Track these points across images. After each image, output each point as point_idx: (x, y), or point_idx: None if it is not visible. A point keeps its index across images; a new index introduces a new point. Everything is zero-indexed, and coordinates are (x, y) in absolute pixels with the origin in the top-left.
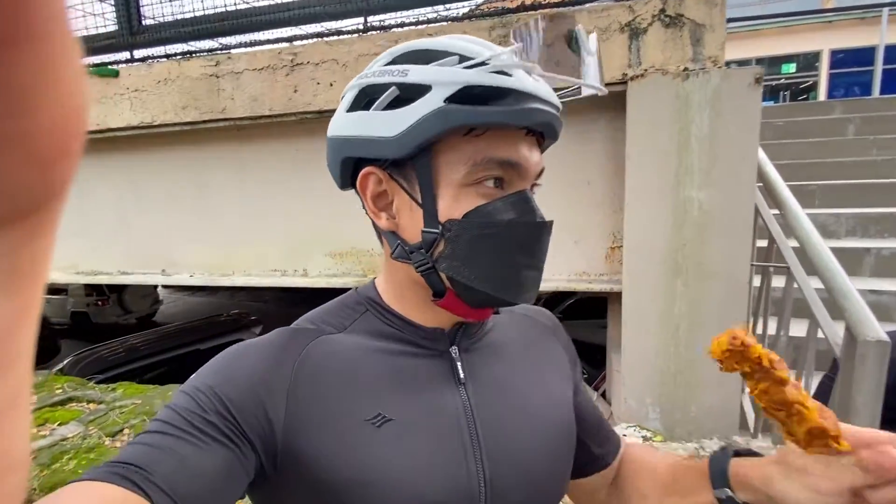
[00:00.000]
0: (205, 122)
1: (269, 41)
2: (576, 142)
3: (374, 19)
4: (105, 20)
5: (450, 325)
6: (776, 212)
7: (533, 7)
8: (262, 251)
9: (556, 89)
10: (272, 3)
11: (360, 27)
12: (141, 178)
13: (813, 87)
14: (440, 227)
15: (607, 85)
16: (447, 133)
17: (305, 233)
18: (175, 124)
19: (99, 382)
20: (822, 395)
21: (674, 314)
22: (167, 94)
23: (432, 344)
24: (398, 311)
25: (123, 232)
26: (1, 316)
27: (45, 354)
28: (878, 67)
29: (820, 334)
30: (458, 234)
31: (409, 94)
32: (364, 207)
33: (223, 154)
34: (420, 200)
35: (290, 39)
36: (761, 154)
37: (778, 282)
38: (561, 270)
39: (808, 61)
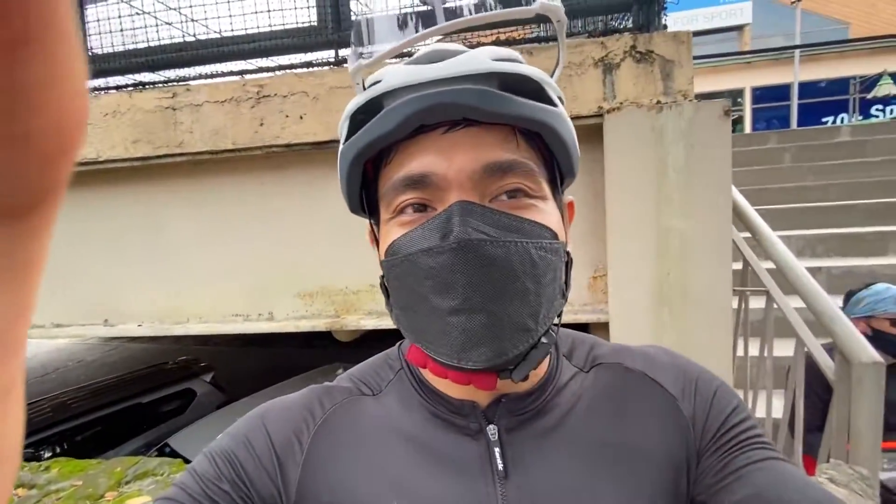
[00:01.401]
0: (159, 157)
1: (232, 73)
2: None
3: (346, 51)
4: None
5: (486, 397)
6: (746, 234)
7: (507, 42)
8: (221, 295)
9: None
10: (236, 34)
11: (332, 59)
12: (82, 220)
13: (739, 121)
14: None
15: (582, 118)
16: (357, 175)
17: (271, 272)
18: (124, 160)
19: (24, 449)
20: (815, 414)
21: (663, 344)
22: (116, 128)
23: (463, 421)
24: (427, 376)
25: (59, 280)
26: (1, 311)
27: None
28: (794, 102)
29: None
30: (386, 277)
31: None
32: None
33: (179, 190)
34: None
35: (255, 71)
36: None
37: (755, 303)
38: None
39: (732, 97)
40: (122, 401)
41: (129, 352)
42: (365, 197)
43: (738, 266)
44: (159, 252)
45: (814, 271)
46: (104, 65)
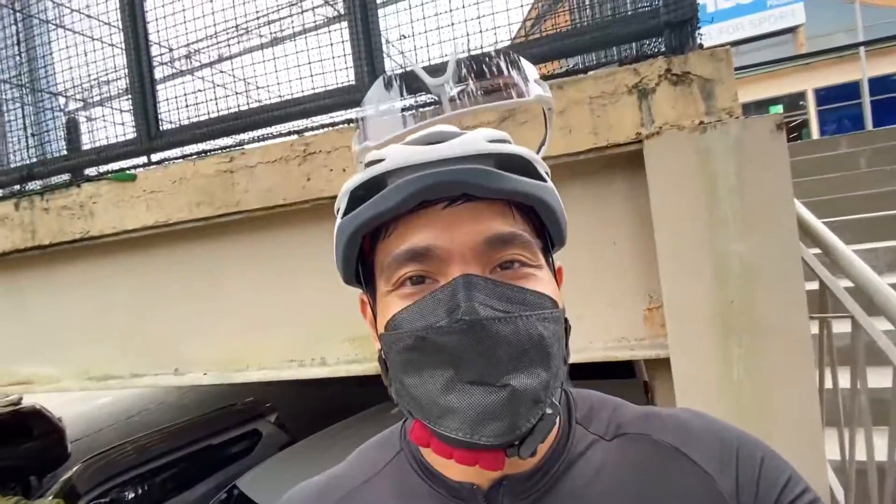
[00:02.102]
0: (219, 216)
1: (280, 134)
2: (594, 205)
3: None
4: (125, 129)
5: (487, 480)
6: (816, 251)
7: (542, 78)
8: (277, 342)
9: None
10: (283, 99)
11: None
12: (154, 277)
13: (804, 125)
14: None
15: (620, 146)
16: (355, 248)
17: (322, 319)
18: (189, 221)
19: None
20: None
21: (733, 380)
22: (182, 193)
23: None
24: (427, 456)
25: (136, 333)
26: None
27: (54, 462)
28: (867, 100)
29: None
30: (387, 351)
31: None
32: None
33: (236, 246)
34: (373, 324)
35: (300, 131)
36: None
37: (840, 327)
38: (598, 338)
39: (793, 101)
40: (195, 443)
41: (200, 394)
42: (361, 270)
43: (814, 287)
44: (220, 304)
45: None
46: (172, 138)
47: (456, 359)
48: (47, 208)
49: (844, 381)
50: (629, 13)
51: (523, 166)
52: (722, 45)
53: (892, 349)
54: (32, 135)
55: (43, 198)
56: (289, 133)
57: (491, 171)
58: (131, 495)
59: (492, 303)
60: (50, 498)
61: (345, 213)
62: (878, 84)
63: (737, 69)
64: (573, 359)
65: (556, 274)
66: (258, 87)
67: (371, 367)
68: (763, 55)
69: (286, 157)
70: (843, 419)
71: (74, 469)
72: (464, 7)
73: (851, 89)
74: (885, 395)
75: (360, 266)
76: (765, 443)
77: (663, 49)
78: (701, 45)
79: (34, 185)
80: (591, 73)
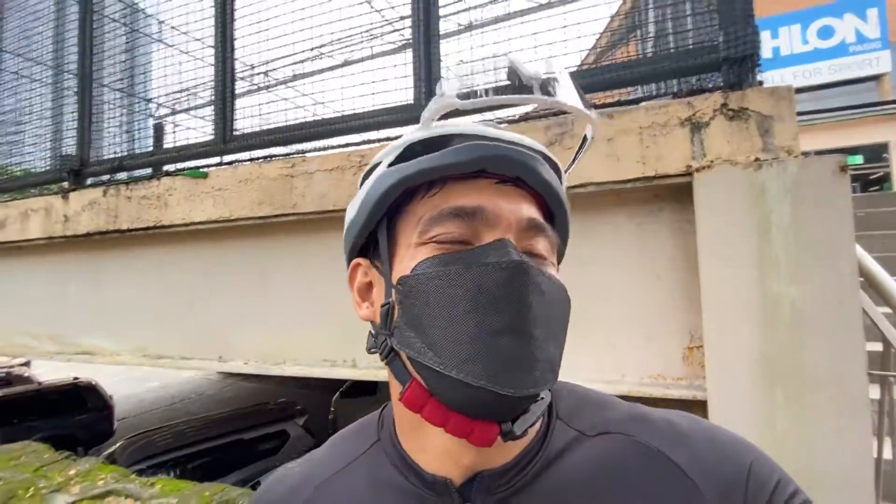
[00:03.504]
0: (276, 216)
1: (339, 146)
2: (637, 234)
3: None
4: (203, 132)
5: (461, 474)
6: (886, 310)
7: (595, 106)
8: (314, 340)
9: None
10: (344, 113)
11: None
12: (212, 268)
13: (885, 178)
14: (392, 292)
15: (667, 177)
16: (392, 197)
17: (357, 323)
18: (250, 218)
19: (147, 469)
20: None
21: (777, 431)
22: (246, 192)
23: (437, 499)
24: (404, 445)
25: (189, 318)
26: None
27: (100, 436)
28: None
29: None
30: (407, 293)
31: (369, 174)
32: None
33: (288, 246)
34: (384, 274)
35: (358, 144)
36: (858, 247)
37: None
38: (631, 372)
39: (875, 152)
40: (228, 434)
41: (240, 389)
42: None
43: (878, 348)
44: (267, 298)
45: None
46: (244, 142)
47: (497, 301)
48: (130, 197)
49: None
50: (688, 47)
51: (558, 175)
52: (784, 86)
53: None
54: (127, 131)
55: (128, 187)
56: (346, 145)
57: (545, 165)
58: (164, 477)
59: (540, 270)
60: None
61: (390, 164)
62: None
63: (812, 112)
64: (604, 388)
65: None
66: (324, 103)
67: None
68: (844, 102)
69: (342, 167)
70: None
71: (117, 444)
72: (521, 36)
73: None
74: None
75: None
76: (758, 449)
77: (721, 83)
78: (761, 83)
79: (121, 176)
80: (643, 104)
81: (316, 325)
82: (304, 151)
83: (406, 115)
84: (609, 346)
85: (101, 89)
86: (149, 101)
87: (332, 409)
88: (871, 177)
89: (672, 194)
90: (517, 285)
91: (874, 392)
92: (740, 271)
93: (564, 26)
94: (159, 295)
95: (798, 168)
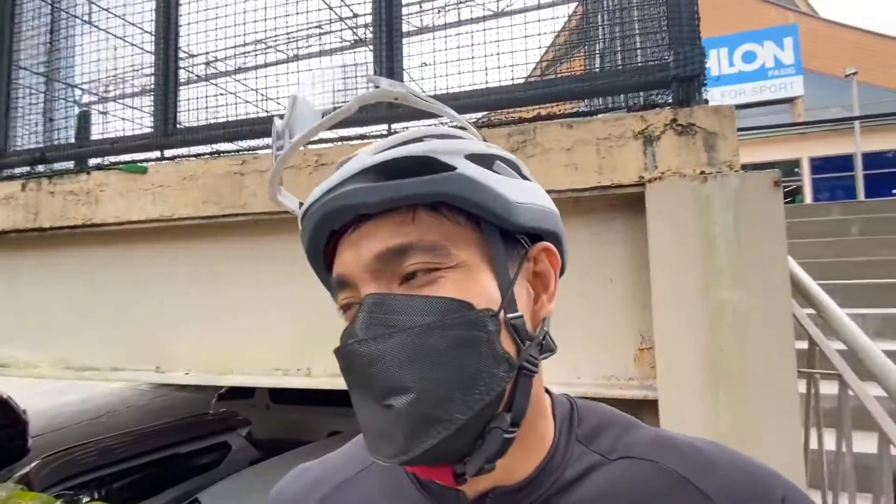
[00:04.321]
0: (224, 216)
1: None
2: (592, 242)
3: (398, 125)
4: (141, 124)
5: (474, 488)
6: (810, 311)
7: (549, 117)
8: (264, 349)
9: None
10: None
11: (385, 132)
12: (150, 270)
13: (798, 191)
14: None
15: (622, 187)
16: (318, 270)
17: (312, 330)
18: (194, 218)
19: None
20: None
21: (720, 427)
22: (190, 190)
23: None
24: None
25: (122, 326)
26: None
27: (12, 455)
28: (860, 173)
29: (893, 451)
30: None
31: None
32: None
33: (237, 248)
34: None
35: (315, 142)
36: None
37: (827, 388)
38: (587, 373)
39: (788, 167)
40: (162, 449)
41: (175, 400)
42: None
43: (804, 346)
44: (213, 303)
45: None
46: (189, 136)
47: (355, 381)
48: (53, 192)
49: (830, 443)
50: (640, 64)
51: (419, 164)
52: (727, 105)
53: (881, 414)
54: (50, 119)
55: (51, 181)
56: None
57: (369, 186)
58: (86, 499)
59: (385, 319)
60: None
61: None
62: (871, 159)
63: (738, 130)
64: (561, 389)
65: (546, 257)
66: (277, 99)
67: None
68: (763, 121)
69: (298, 166)
70: (826, 482)
71: (32, 465)
72: (485, 43)
73: (845, 161)
74: (871, 462)
75: None
76: (791, 483)
77: (670, 101)
78: (706, 101)
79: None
80: (600, 115)
81: (268, 332)
82: (253, 148)
83: (364, 114)
84: (565, 349)
85: (20, 72)
86: (74, 87)
87: (211, 412)
88: (786, 189)
89: (625, 204)
90: (353, 366)
91: (801, 387)
92: (687, 277)
93: (526, 36)
94: (87, 300)
95: (739, 182)
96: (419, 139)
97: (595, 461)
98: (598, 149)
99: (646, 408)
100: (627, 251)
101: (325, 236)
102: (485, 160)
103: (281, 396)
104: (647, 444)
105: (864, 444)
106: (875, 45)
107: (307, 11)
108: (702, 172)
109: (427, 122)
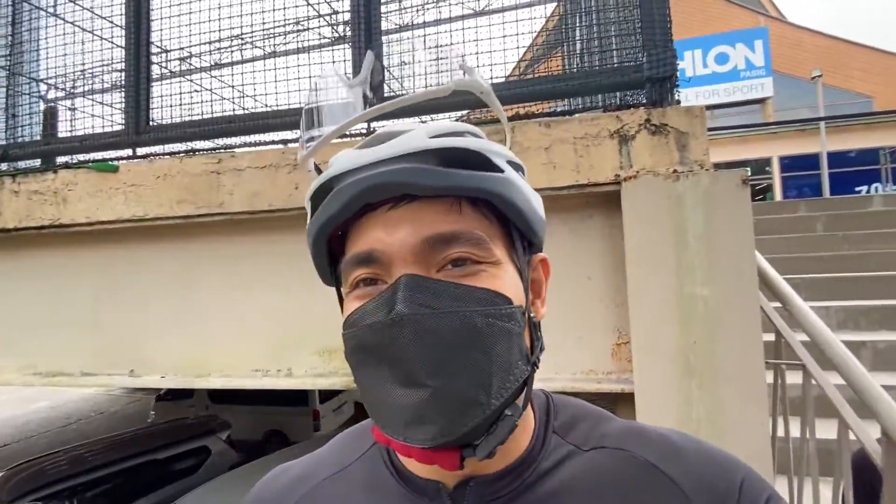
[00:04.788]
0: (200, 216)
1: (273, 142)
2: (570, 239)
3: (377, 124)
4: (111, 121)
5: (453, 479)
6: (776, 304)
7: (527, 116)
8: (244, 350)
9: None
10: (279, 108)
11: (364, 131)
12: (121, 272)
13: (769, 189)
14: None
15: (598, 185)
16: (320, 251)
17: (294, 330)
18: (169, 217)
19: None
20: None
21: (693, 418)
22: (165, 189)
23: (429, 503)
24: (400, 450)
25: (93, 329)
26: None
27: None
28: (825, 171)
29: (852, 436)
30: (345, 350)
31: None
32: None
33: (213, 248)
34: None
35: (295, 140)
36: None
37: (793, 378)
38: (565, 368)
39: (759, 166)
40: (138, 456)
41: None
42: (333, 271)
43: (771, 338)
44: (190, 305)
45: (857, 346)
46: (162, 134)
47: (387, 358)
48: (17, 191)
49: (795, 430)
50: (615, 65)
51: (473, 159)
52: (698, 105)
53: (840, 402)
54: (14, 115)
55: (14, 180)
56: (282, 142)
57: (429, 169)
58: None
59: (428, 300)
60: None
61: (308, 218)
62: (836, 158)
63: (710, 129)
64: (540, 385)
65: (540, 266)
66: (255, 96)
67: (337, 382)
68: (735, 121)
69: (276, 164)
70: (792, 468)
71: None
72: (464, 42)
73: (812, 160)
74: (833, 447)
75: (333, 268)
76: (749, 467)
77: (644, 101)
78: (678, 102)
79: (7, 167)
80: (577, 115)
81: (247, 332)
82: (229, 147)
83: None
84: (546, 347)
85: None
86: (39, 81)
87: (152, 412)
88: (757, 187)
89: (602, 202)
90: (400, 340)
91: (768, 378)
92: (661, 273)
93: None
94: (55, 303)
95: (709, 180)
96: (461, 133)
97: (570, 451)
98: (575, 148)
99: (623, 400)
100: (605, 248)
101: (359, 207)
102: (518, 168)
103: (220, 397)
104: (618, 435)
105: (827, 430)
106: (839, 49)
107: (284, 8)
108: (674, 171)
109: (395, 120)
